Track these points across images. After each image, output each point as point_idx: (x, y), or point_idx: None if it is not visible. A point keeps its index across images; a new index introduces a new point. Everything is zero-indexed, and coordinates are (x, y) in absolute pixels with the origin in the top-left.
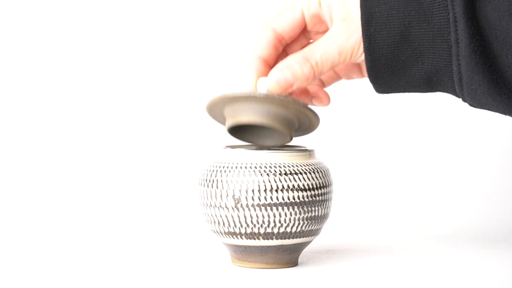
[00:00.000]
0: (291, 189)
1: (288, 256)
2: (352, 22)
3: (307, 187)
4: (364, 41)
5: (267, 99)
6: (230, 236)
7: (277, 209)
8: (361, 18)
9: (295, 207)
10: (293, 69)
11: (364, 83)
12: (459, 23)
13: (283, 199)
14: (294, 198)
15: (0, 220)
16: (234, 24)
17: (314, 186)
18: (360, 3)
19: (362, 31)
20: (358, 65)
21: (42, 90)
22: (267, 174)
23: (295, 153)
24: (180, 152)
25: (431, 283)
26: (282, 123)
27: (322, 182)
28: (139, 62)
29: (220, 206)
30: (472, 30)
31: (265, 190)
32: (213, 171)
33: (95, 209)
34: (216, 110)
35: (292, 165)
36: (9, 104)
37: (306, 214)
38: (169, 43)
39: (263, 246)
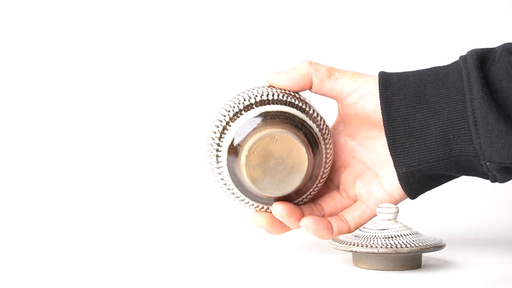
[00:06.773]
0: None
1: None
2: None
3: None
4: (381, 103)
5: None
6: None
7: None
8: (379, 82)
9: None
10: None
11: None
12: (472, 75)
13: None
14: None
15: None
16: (235, 24)
17: None
18: (379, 73)
19: (379, 94)
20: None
21: (42, 91)
22: None
23: None
24: (183, 153)
25: (431, 282)
26: None
27: None
28: (142, 63)
29: None
30: (484, 81)
31: None
32: None
33: (95, 210)
34: None
35: None
36: (9, 104)
37: None
38: (172, 42)
39: None
